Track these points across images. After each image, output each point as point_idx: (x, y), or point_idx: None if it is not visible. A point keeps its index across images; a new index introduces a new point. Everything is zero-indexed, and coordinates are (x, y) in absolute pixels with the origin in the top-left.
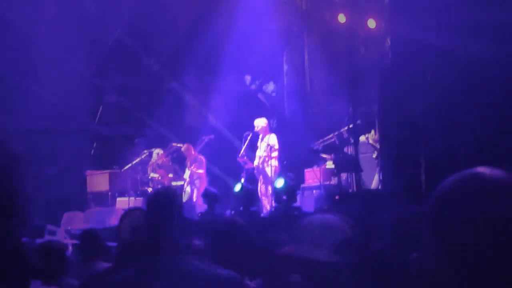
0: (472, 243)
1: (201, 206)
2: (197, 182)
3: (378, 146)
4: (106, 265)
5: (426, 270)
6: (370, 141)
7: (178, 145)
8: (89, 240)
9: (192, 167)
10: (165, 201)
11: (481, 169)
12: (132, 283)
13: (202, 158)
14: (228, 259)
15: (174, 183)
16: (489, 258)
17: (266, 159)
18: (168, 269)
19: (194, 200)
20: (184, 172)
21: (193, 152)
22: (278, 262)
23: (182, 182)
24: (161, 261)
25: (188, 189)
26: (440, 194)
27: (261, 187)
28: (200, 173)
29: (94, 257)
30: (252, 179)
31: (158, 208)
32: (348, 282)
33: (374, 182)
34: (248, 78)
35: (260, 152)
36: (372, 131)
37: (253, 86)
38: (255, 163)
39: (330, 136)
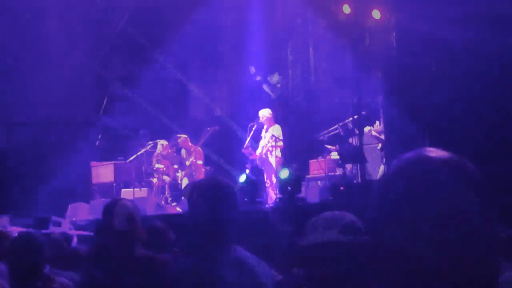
0: (412, 224)
1: None
2: (195, 173)
3: (382, 137)
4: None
5: (373, 255)
6: (373, 133)
7: (183, 136)
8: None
9: (191, 158)
10: (221, 193)
11: (427, 149)
12: (196, 271)
13: (199, 149)
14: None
15: (178, 174)
16: (426, 239)
17: (270, 149)
18: (228, 258)
19: None
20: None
21: (190, 144)
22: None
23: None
24: (223, 251)
25: (185, 180)
26: (383, 178)
27: (266, 177)
28: (199, 165)
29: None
30: (257, 170)
31: (215, 199)
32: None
33: (379, 173)
34: (252, 68)
35: (264, 142)
36: (377, 122)
37: (258, 77)
38: (258, 152)
39: (335, 127)
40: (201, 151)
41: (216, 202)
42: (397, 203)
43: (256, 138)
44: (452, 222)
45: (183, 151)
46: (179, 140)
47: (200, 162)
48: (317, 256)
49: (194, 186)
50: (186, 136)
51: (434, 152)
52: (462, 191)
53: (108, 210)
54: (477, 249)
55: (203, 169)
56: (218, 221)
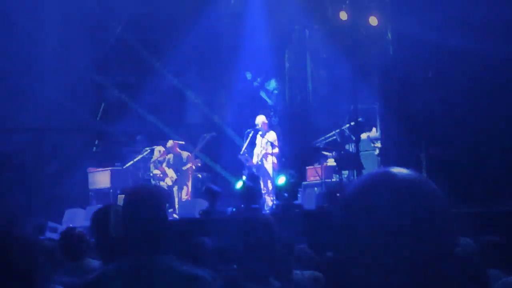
0: (373, 242)
1: (190, 203)
2: (185, 179)
3: (379, 144)
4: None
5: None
6: (377, 144)
7: (180, 142)
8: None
9: (189, 164)
10: (145, 198)
11: (387, 169)
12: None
13: (188, 153)
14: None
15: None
16: (385, 254)
17: (267, 156)
18: (147, 268)
19: (185, 197)
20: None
21: (177, 149)
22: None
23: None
24: (141, 260)
25: (176, 188)
26: (346, 193)
27: (262, 183)
28: (189, 170)
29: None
30: (254, 177)
31: (138, 205)
32: None
33: None
34: (248, 74)
35: (258, 149)
36: (374, 129)
37: (255, 83)
38: (254, 160)
39: (332, 133)
40: (191, 156)
41: (135, 210)
42: (358, 217)
43: (253, 145)
44: (413, 236)
45: (169, 156)
46: (167, 145)
47: (189, 165)
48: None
49: (124, 194)
50: (173, 141)
51: (397, 170)
52: (423, 207)
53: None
54: (436, 261)
55: (191, 175)
56: (136, 229)
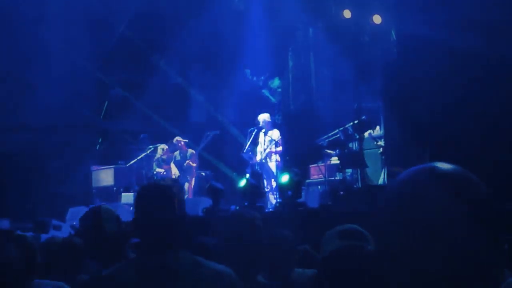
0: (424, 238)
1: (194, 201)
2: (189, 176)
3: (382, 142)
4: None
5: (380, 265)
6: (379, 142)
7: (183, 140)
8: None
9: (187, 161)
10: (161, 195)
11: (436, 163)
12: (137, 280)
13: (193, 151)
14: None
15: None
16: (433, 250)
17: (270, 154)
18: (171, 265)
19: (187, 194)
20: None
21: (184, 147)
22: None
23: (190, 177)
24: (166, 258)
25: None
26: (391, 189)
27: (266, 182)
28: (193, 167)
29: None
30: (257, 175)
31: (153, 202)
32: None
33: (380, 178)
34: (247, 72)
35: (262, 147)
36: (377, 127)
37: (260, 81)
38: (257, 158)
39: (335, 131)
40: (195, 153)
41: (149, 207)
42: (403, 213)
43: (257, 143)
44: (457, 232)
45: (176, 153)
46: (174, 141)
47: (194, 164)
48: (338, 264)
49: (136, 192)
50: (180, 138)
51: (442, 165)
52: (467, 202)
53: (96, 215)
54: (480, 258)
55: (195, 173)
56: (151, 226)
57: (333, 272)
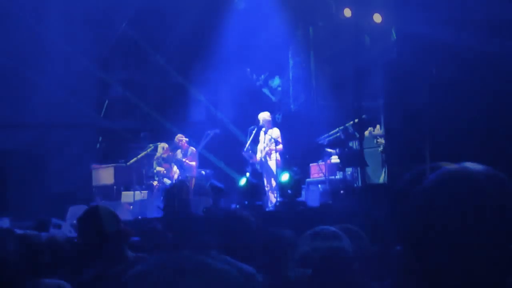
0: (455, 236)
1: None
2: (189, 175)
3: (383, 141)
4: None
5: (408, 263)
6: (379, 140)
7: (185, 139)
8: None
9: (185, 160)
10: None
11: (466, 164)
12: (153, 278)
13: (193, 149)
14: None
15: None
16: (472, 249)
17: (270, 152)
18: (188, 263)
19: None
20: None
21: (186, 144)
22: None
23: (190, 176)
24: (182, 256)
25: None
26: (423, 189)
27: (266, 181)
28: (193, 165)
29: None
30: (257, 173)
31: (172, 202)
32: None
33: (381, 177)
34: (248, 71)
35: (262, 145)
36: (378, 126)
37: (259, 81)
38: (257, 156)
39: (336, 130)
40: (195, 152)
41: (173, 205)
42: (439, 214)
43: (257, 142)
44: (495, 231)
45: (178, 151)
46: (175, 139)
47: (193, 163)
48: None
49: (163, 191)
50: (181, 136)
51: (474, 166)
52: (502, 202)
53: (95, 214)
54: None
55: (195, 171)
56: (181, 225)
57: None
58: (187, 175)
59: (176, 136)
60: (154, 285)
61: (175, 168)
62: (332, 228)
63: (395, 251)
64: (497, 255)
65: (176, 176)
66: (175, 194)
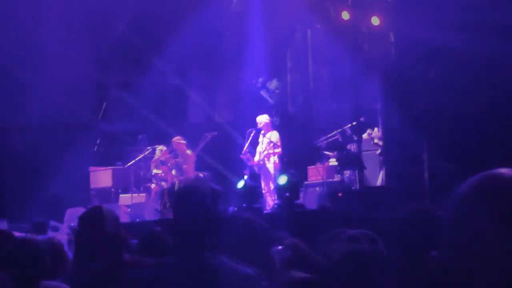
0: (494, 243)
1: None
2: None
3: (381, 143)
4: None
5: (445, 269)
6: (376, 141)
7: (182, 141)
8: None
9: (183, 161)
10: (192, 194)
11: (501, 170)
12: (161, 278)
13: (190, 152)
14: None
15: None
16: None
17: (269, 155)
18: (197, 264)
19: None
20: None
21: (184, 147)
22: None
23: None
24: (190, 257)
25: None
26: (461, 195)
27: (263, 184)
28: (190, 168)
29: None
30: (255, 176)
31: (187, 202)
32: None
33: (379, 180)
34: (246, 73)
35: (261, 148)
36: (376, 129)
37: (258, 84)
38: (256, 159)
39: (334, 133)
40: (192, 155)
41: (186, 208)
42: (476, 220)
43: (255, 144)
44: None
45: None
46: (173, 141)
47: (190, 166)
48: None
49: (170, 192)
50: (179, 138)
51: (507, 171)
52: None
53: (97, 214)
54: None
55: (192, 174)
56: (188, 227)
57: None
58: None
59: (173, 139)
60: (162, 285)
61: (173, 171)
62: (352, 231)
63: (430, 257)
64: None
65: (175, 179)
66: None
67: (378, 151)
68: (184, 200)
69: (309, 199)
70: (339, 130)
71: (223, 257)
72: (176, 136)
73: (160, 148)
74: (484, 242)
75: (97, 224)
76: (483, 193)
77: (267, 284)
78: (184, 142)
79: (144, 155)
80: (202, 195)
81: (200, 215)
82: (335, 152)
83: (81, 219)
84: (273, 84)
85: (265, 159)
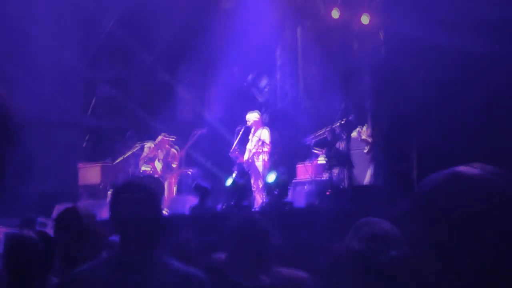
0: (455, 241)
1: (181, 199)
2: (169, 175)
3: (370, 140)
4: None
5: (409, 269)
6: (363, 137)
7: (170, 138)
8: None
9: (169, 159)
10: (140, 193)
11: (465, 168)
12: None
13: (175, 151)
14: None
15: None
16: (471, 253)
17: (258, 153)
18: (136, 263)
19: (173, 193)
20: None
21: (167, 145)
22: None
23: (170, 175)
24: (135, 255)
25: (166, 183)
26: (422, 192)
27: (253, 181)
28: (175, 165)
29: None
30: (244, 174)
31: (133, 200)
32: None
33: (366, 178)
34: (235, 70)
35: (251, 145)
36: (365, 127)
37: (248, 80)
38: (245, 156)
39: (322, 131)
40: (177, 153)
41: (132, 204)
42: (435, 219)
43: (244, 142)
44: (491, 234)
45: (159, 151)
46: (156, 141)
47: (175, 164)
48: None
49: (115, 189)
50: (165, 135)
51: (468, 170)
52: (497, 205)
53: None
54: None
55: (177, 171)
56: (134, 224)
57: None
58: (168, 174)
59: (160, 136)
60: (98, 280)
61: (159, 168)
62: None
63: (391, 257)
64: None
65: (161, 176)
66: None
67: (366, 149)
68: (126, 197)
69: (297, 197)
70: (328, 128)
71: (164, 256)
72: (162, 133)
73: (149, 145)
74: (444, 241)
75: (75, 221)
76: (446, 191)
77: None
78: (169, 139)
79: (133, 151)
80: (147, 193)
81: (143, 214)
82: (324, 150)
83: (57, 219)
84: (263, 81)
85: (255, 157)
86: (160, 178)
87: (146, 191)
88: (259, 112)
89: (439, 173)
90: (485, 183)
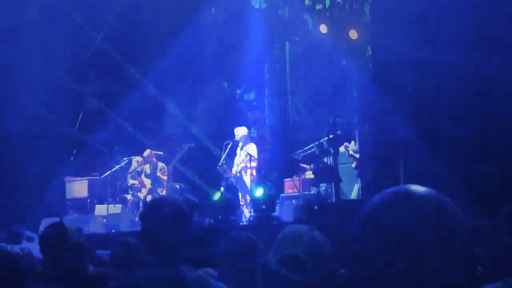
0: (392, 260)
1: None
2: (160, 189)
3: (357, 156)
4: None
5: (353, 285)
6: (350, 152)
7: (158, 153)
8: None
9: (158, 172)
10: (165, 210)
11: (413, 187)
12: None
13: (163, 165)
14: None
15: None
16: (408, 273)
17: (246, 168)
18: (171, 277)
19: None
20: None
21: (154, 159)
22: None
23: (160, 189)
24: (165, 270)
25: (149, 197)
26: (365, 211)
27: (240, 195)
28: (164, 180)
29: None
30: (231, 188)
31: (156, 216)
32: None
33: (354, 193)
34: (225, 85)
35: (239, 160)
36: (352, 142)
37: (236, 95)
38: (233, 170)
39: (310, 146)
40: (165, 167)
41: (162, 222)
42: (378, 236)
43: (232, 156)
44: (434, 253)
45: (146, 166)
46: (144, 154)
47: (165, 177)
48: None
49: (146, 205)
50: (150, 150)
51: (415, 188)
52: (442, 223)
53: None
54: (457, 277)
55: (166, 185)
56: (161, 240)
57: None
58: (158, 188)
59: (146, 151)
60: None
61: (147, 182)
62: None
63: (340, 274)
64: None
65: (148, 190)
66: None
67: (354, 164)
68: (158, 211)
69: (285, 212)
70: (316, 143)
71: (198, 271)
72: (147, 149)
73: (137, 159)
74: (388, 260)
75: (60, 236)
76: (392, 210)
77: None
78: (157, 153)
79: (121, 165)
80: (176, 208)
81: (174, 228)
82: (312, 165)
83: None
84: (251, 96)
85: (242, 171)
86: (148, 192)
87: (179, 208)
88: (247, 127)
89: (387, 190)
90: (426, 201)
